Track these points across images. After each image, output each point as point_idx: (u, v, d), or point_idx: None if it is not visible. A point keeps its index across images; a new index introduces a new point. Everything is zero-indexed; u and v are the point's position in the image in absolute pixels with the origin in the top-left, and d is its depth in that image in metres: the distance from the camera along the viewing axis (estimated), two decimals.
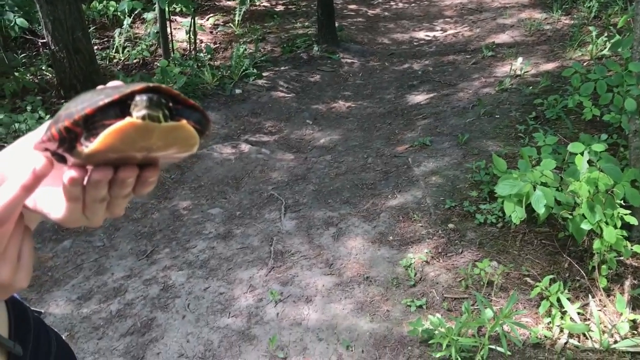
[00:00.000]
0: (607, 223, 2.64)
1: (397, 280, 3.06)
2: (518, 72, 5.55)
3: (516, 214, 2.87)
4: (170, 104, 0.52)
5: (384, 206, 3.74)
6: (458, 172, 3.96)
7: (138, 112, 0.48)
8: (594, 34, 5.68)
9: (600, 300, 2.75)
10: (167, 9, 6.32)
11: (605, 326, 2.61)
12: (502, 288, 2.91)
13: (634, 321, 2.60)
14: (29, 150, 0.57)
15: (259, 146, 4.87)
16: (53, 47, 5.45)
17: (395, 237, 3.42)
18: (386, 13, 8.93)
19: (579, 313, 2.66)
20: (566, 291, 2.75)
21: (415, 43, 7.54)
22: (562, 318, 2.64)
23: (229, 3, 8.87)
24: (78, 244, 3.62)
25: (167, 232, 3.71)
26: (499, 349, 2.48)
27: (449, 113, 5.07)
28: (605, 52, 5.42)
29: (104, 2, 7.70)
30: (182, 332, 2.82)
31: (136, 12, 7.31)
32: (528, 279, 2.95)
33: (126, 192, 0.56)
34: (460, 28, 7.77)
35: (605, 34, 5.70)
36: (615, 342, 2.53)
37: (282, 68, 6.65)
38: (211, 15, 8.32)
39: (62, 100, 5.57)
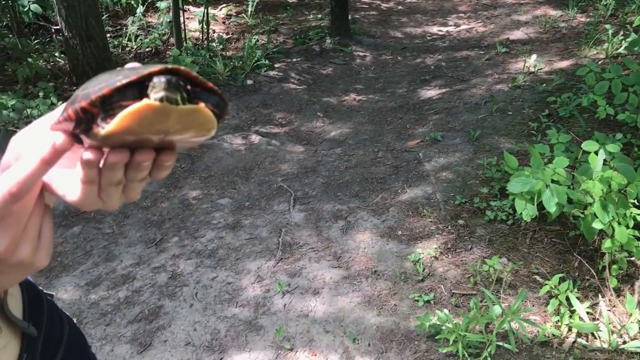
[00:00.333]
0: (619, 223, 2.61)
1: (405, 274, 3.05)
2: (532, 69, 5.50)
3: (527, 212, 2.85)
4: (189, 87, 0.51)
5: (393, 200, 3.73)
6: (469, 168, 3.94)
7: (156, 94, 0.47)
8: (610, 32, 5.62)
9: (609, 300, 2.73)
10: None
11: (614, 326, 2.59)
12: (511, 285, 2.89)
13: None
14: (45, 131, 0.57)
15: (269, 137, 4.86)
16: (66, 34, 5.46)
17: (404, 231, 3.40)
18: (400, 7, 8.88)
19: (588, 313, 2.64)
20: (575, 290, 2.73)
21: (428, 37, 7.50)
22: (570, 317, 2.62)
23: None
24: (87, 230, 3.63)
25: (177, 220, 3.72)
26: (506, 345, 2.47)
27: (461, 109, 5.04)
28: (621, 50, 5.36)
29: None
30: (190, 321, 2.83)
31: (149, 0, 7.31)
32: (537, 277, 2.93)
33: (142, 175, 0.55)
34: (474, 23, 7.71)
35: (622, 33, 5.63)
36: (624, 342, 2.51)
37: (294, 60, 6.63)
38: (224, 5, 8.31)
39: (74, 87, 5.59)
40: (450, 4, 8.76)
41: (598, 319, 2.64)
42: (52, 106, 4.89)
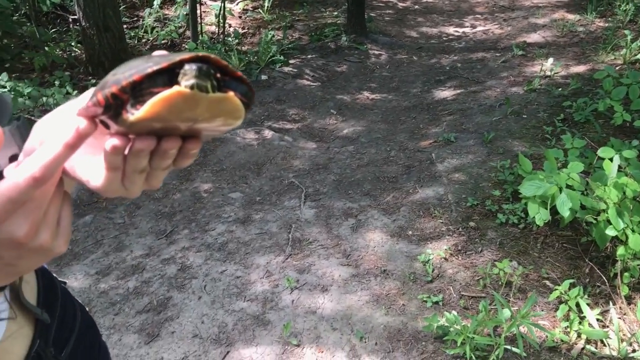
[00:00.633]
0: (633, 230, 2.59)
1: (415, 275, 3.04)
2: (548, 73, 5.47)
3: (540, 216, 2.83)
4: (218, 75, 0.51)
5: (404, 200, 3.72)
6: (482, 171, 3.92)
7: (187, 82, 0.47)
8: (628, 38, 5.56)
9: (620, 307, 2.71)
10: None
11: (624, 334, 2.56)
12: (521, 289, 2.88)
13: None
14: (68, 117, 0.57)
15: (282, 133, 4.87)
16: (83, 24, 5.49)
17: (415, 232, 3.39)
18: (416, 6, 8.85)
19: (597, 320, 2.62)
20: (586, 296, 2.71)
21: (444, 38, 7.47)
22: (580, 323, 2.60)
23: None
24: (99, 219, 3.66)
25: (187, 213, 3.73)
26: (514, 349, 2.45)
27: (475, 110, 5.02)
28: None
29: None
30: (198, 313, 2.84)
31: None
32: (547, 282, 2.92)
33: (167, 163, 0.55)
34: (490, 25, 7.67)
35: None
36: (634, 351, 2.49)
37: (309, 56, 6.63)
38: (241, 0, 8.32)
39: (90, 77, 5.62)
40: (467, 5, 8.71)
41: (608, 327, 2.62)
42: (67, 95, 4.92)
